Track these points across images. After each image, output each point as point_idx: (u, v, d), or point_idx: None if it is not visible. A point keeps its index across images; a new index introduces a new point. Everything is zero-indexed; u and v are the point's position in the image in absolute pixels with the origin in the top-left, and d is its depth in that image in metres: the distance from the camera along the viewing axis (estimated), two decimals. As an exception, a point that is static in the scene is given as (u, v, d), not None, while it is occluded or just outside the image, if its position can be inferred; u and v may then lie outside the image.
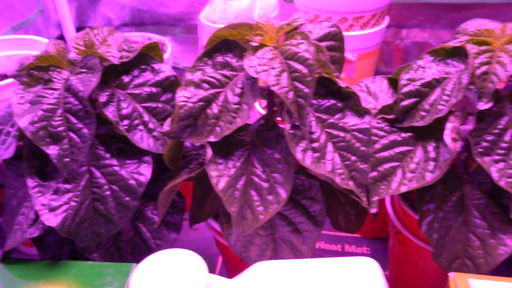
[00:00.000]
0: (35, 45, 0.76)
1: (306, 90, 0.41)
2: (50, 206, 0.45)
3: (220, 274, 0.74)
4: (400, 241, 0.56)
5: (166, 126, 0.48)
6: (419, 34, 1.02)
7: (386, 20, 0.86)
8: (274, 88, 0.41)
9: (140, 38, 0.98)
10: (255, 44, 0.45)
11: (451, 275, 0.42)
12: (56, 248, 0.52)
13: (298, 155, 0.43)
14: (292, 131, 0.43)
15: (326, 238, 0.80)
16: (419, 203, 0.47)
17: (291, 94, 0.42)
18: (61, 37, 1.10)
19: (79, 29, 1.13)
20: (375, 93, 0.56)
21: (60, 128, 0.45)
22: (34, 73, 0.47)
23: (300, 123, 0.43)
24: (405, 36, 1.02)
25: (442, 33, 1.01)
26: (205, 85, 0.45)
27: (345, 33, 0.82)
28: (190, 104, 0.43)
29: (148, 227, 0.51)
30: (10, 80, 0.62)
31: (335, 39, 0.49)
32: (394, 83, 0.56)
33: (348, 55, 0.84)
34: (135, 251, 0.52)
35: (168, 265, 0.36)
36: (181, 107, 0.43)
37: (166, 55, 0.88)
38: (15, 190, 0.52)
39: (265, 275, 0.35)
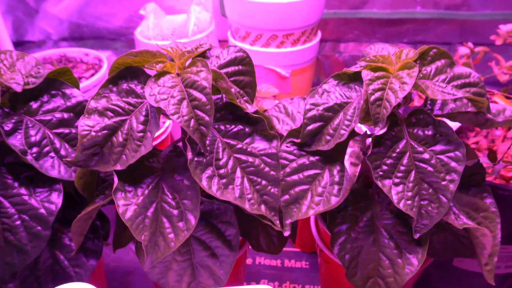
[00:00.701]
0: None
1: (207, 118, 0.42)
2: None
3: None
4: (324, 260, 0.58)
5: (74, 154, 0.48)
6: (356, 48, 1.05)
7: (318, 36, 0.88)
8: (173, 117, 0.41)
9: (77, 53, 0.97)
10: (156, 70, 0.45)
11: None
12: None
13: (204, 183, 0.43)
14: (197, 159, 0.44)
15: (266, 254, 0.81)
16: (331, 224, 0.49)
17: (192, 122, 0.42)
18: (-3, 52, 1.07)
19: (16, 43, 1.11)
20: (293, 114, 0.57)
21: (-39, 160, 0.44)
22: None
23: (204, 150, 0.44)
24: (343, 49, 1.05)
25: (377, 47, 1.04)
26: (109, 113, 0.44)
27: (276, 50, 0.84)
28: (93, 133, 0.43)
29: (65, 254, 0.51)
30: None
31: (242, 64, 0.50)
32: (311, 104, 0.57)
33: (281, 71, 0.85)
34: (55, 279, 0.51)
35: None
36: (83, 136, 0.43)
37: (102, 71, 0.87)
38: None
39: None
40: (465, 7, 0.95)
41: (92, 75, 0.90)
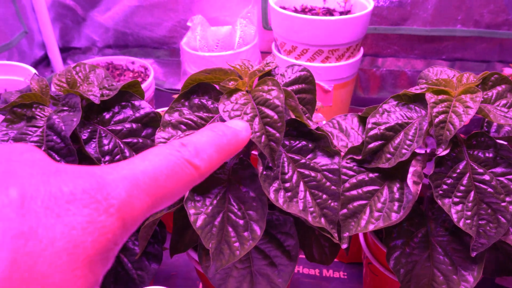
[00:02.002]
0: (19, 71, 0.78)
1: (278, 135, 0.44)
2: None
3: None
4: (372, 272, 0.59)
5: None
6: (394, 63, 1.06)
7: (361, 52, 0.89)
8: (248, 133, 0.44)
9: (124, 61, 1.00)
10: (229, 88, 0.47)
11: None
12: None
13: (271, 195, 0.45)
14: (265, 172, 0.46)
15: (304, 263, 0.83)
16: (387, 239, 0.50)
17: (263, 138, 0.44)
18: (45, 57, 1.11)
19: (63, 49, 1.15)
20: (347, 129, 0.59)
21: (43, 166, 0.47)
22: (17, 110, 0.49)
23: (273, 164, 0.46)
24: (381, 64, 1.06)
25: (415, 63, 1.05)
26: (182, 127, 0.47)
27: (321, 65, 0.86)
28: (169, 145, 0.45)
29: (129, 258, 0.53)
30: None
31: (306, 82, 0.52)
32: (363, 121, 0.59)
33: (324, 85, 0.87)
34: (118, 281, 0.53)
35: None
36: (160, 148, 0.45)
37: (149, 80, 0.91)
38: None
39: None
40: (506, 26, 0.96)
41: (139, 83, 0.93)
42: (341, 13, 0.92)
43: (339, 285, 0.79)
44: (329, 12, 0.92)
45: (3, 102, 0.53)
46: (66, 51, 1.15)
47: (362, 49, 0.90)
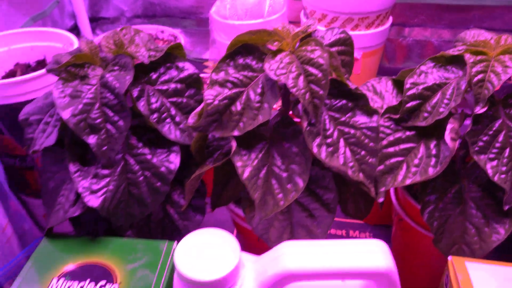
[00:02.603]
0: (56, 37, 0.80)
1: (321, 92, 0.46)
2: (91, 189, 0.50)
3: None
4: (402, 228, 0.62)
5: (191, 119, 0.53)
6: (421, 33, 1.06)
7: (390, 20, 0.90)
8: (292, 90, 0.46)
9: (154, 30, 1.02)
10: (273, 49, 0.49)
11: (450, 258, 0.47)
12: (91, 226, 0.57)
13: (315, 149, 0.48)
14: (309, 128, 0.48)
15: (332, 224, 0.86)
16: (422, 194, 0.52)
17: (307, 96, 0.46)
18: (75, 27, 1.14)
19: (92, 19, 1.17)
20: (381, 92, 0.61)
21: (98, 120, 0.49)
22: (71, 69, 0.52)
23: (316, 121, 0.48)
24: (407, 34, 1.07)
25: (443, 32, 1.06)
26: (229, 85, 0.49)
27: (350, 32, 0.87)
28: (216, 102, 0.48)
29: (176, 209, 0.56)
30: (42, 71, 0.66)
31: (345, 44, 0.54)
32: (397, 84, 0.61)
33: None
34: (164, 231, 0.57)
35: (206, 242, 0.41)
36: (208, 104, 0.48)
37: (179, 48, 0.92)
38: (52, 174, 0.56)
39: (289, 252, 0.41)
40: (537, -6, 0.96)
41: (170, 51, 0.95)
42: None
43: (365, 246, 0.82)
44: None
45: (55, 63, 0.56)
46: (95, 20, 1.18)
47: (391, 18, 0.91)
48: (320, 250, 0.41)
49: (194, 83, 0.57)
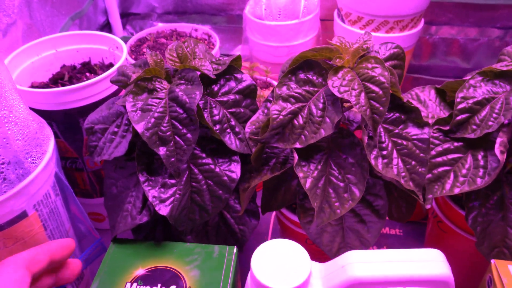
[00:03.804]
0: (100, 40, 0.83)
1: (381, 108, 0.49)
2: (160, 198, 0.54)
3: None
4: (441, 229, 0.66)
5: (249, 128, 0.56)
6: (447, 31, 1.09)
7: (422, 22, 0.92)
8: (355, 107, 0.49)
9: (188, 29, 1.05)
10: (334, 65, 0.52)
11: (493, 261, 0.51)
12: (148, 230, 0.61)
13: (372, 161, 0.51)
14: (367, 141, 0.52)
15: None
16: (467, 200, 0.56)
17: (368, 111, 0.50)
18: (107, 23, 1.16)
19: (122, 15, 1.19)
20: (425, 101, 0.64)
21: (168, 133, 0.53)
22: (140, 83, 0.55)
23: (374, 134, 0.51)
24: (434, 32, 1.09)
25: (469, 31, 1.08)
26: (292, 99, 0.52)
27: (385, 35, 0.89)
28: (281, 117, 0.51)
29: (232, 214, 0.60)
30: (95, 79, 0.69)
31: (398, 59, 0.57)
32: (440, 93, 0.64)
33: (387, 54, 0.91)
34: (219, 234, 0.61)
35: (279, 252, 0.44)
36: (274, 119, 0.51)
37: (215, 48, 0.95)
38: (114, 180, 0.60)
39: (355, 261, 0.45)
40: None
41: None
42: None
43: (395, 240, 0.87)
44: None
45: (120, 74, 0.59)
46: (126, 16, 1.20)
47: (423, 19, 0.93)
48: (384, 259, 0.45)
49: (250, 93, 0.60)
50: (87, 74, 0.82)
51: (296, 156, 0.52)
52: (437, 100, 0.64)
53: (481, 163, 0.54)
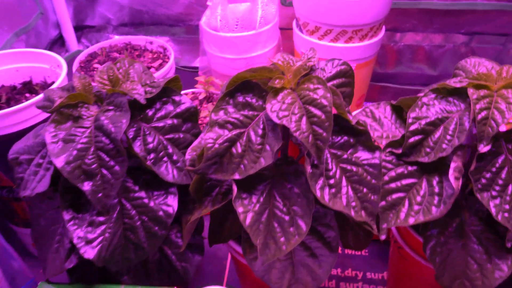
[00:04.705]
0: (42, 58, 0.78)
1: (325, 134, 0.45)
2: (86, 239, 0.48)
3: (228, 278, 0.79)
4: (401, 255, 0.62)
5: (189, 156, 0.51)
6: (412, 37, 1.05)
7: (383, 30, 0.89)
8: (295, 134, 0.45)
9: (142, 41, 0.99)
10: (274, 86, 0.48)
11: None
12: (84, 270, 0.56)
13: (318, 193, 0.47)
14: (311, 171, 0.47)
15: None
16: (424, 229, 0.52)
17: (310, 138, 0.45)
18: (60, 37, 1.10)
19: (77, 28, 1.13)
20: (380, 118, 0.60)
21: (93, 166, 0.48)
22: (64, 110, 0.50)
23: (318, 162, 0.47)
24: (399, 39, 1.06)
25: (434, 37, 1.05)
26: (229, 126, 0.48)
27: (344, 45, 0.86)
28: (217, 145, 0.47)
29: (173, 250, 0.55)
30: (27, 103, 0.64)
31: (346, 76, 0.52)
32: (396, 110, 0.60)
33: (347, 65, 0.87)
34: (161, 272, 0.56)
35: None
36: (208, 148, 0.46)
37: (169, 62, 0.90)
38: (42, 211, 0.55)
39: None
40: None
41: (160, 65, 0.92)
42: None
43: (361, 262, 0.82)
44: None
45: (46, 99, 0.54)
46: (80, 29, 1.14)
47: (384, 27, 0.89)
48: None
49: (190, 116, 0.55)
50: (27, 95, 0.76)
51: (235, 188, 0.48)
52: (393, 117, 0.60)
53: (436, 189, 0.50)
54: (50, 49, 1.07)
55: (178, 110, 0.54)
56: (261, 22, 0.91)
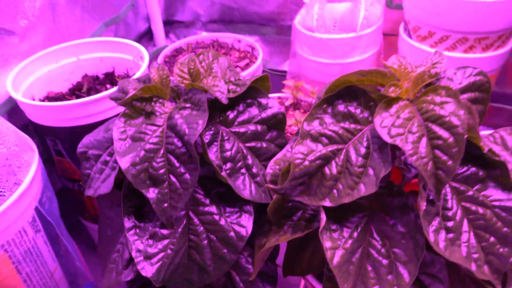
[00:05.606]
0: (125, 48, 0.74)
1: (450, 162, 0.35)
2: (146, 254, 0.42)
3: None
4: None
5: (270, 169, 0.43)
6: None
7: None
8: (411, 158, 0.35)
9: (230, 39, 0.94)
10: (387, 95, 0.38)
11: None
12: (143, 282, 0.50)
13: (431, 237, 0.36)
14: (426, 207, 0.37)
15: None
16: None
17: (430, 166, 0.35)
18: (148, 30, 1.08)
19: (166, 22, 1.11)
20: (513, 148, 0.48)
21: (161, 171, 0.41)
22: (136, 104, 0.44)
23: (436, 198, 0.36)
24: (525, 55, 0.90)
25: None
26: (324, 139, 0.39)
27: (463, 55, 0.73)
28: (307, 163, 0.38)
29: (241, 276, 0.47)
30: (104, 93, 0.60)
31: (480, 90, 0.41)
32: (537, 138, 0.47)
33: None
34: (226, 300, 0.48)
35: None
36: (296, 165, 0.38)
37: (257, 62, 0.83)
38: (110, 220, 0.50)
39: None
40: None
41: (247, 64, 0.86)
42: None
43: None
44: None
45: (120, 90, 0.48)
46: (169, 24, 1.11)
47: (513, 38, 0.75)
48: None
49: (277, 124, 0.47)
50: (108, 86, 0.73)
51: (323, 217, 0.39)
52: (530, 148, 0.47)
53: None
54: (138, 42, 1.05)
55: (264, 115, 0.46)
56: (363, 24, 0.80)
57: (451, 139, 0.34)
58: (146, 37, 1.08)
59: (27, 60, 0.69)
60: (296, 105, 0.79)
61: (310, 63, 0.83)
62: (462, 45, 0.70)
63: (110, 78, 0.75)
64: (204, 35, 0.95)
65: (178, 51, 0.91)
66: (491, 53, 0.71)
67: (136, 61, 0.72)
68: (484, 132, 0.62)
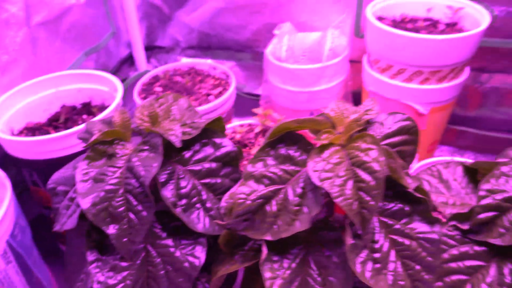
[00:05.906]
0: (102, 81, 0.78)
1: (372, 202, 0.39)
2: (106, 285, 0.46)
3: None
4: None
5: (224, 202, 0.47)
6: (502, 79, 0.94)
7: (466, 72, 0.79)
8: (337, 200, 0.39)
9: (206, 66, 0.98)
10: (321, 141, 0.42)
11: None
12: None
13: (358, 268, 0.40)
14: (353, 241, 0.41)
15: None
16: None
17: (355, 206, 0.39)
18: (130, 56, 1.13)
19: (147, 48, 1.15)
20: (448, 180, 0.52)
21: (121, 209, 0.45)
22: (98, 147, 0.48)
23: (363, 232, 0.41)
24: (484, 80, 0.95)
25: (528, 80, 0.92)
26: (266, 181, 0.43)
27: (419, 86, 0.77)
28: (249, 202, 0.42)
29: (198, 303, 0.51)
30: (74, 129, 0.64)
31: (409, 133, 0.46)
32: (470, 172, 0.52)
33: (420, 108, 0.79)
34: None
35: None
36: (239, 204, 0.42)
37: (230, 90, 0.88)
38: (76, 248, 0.53)
39: None
40: None
41: (220, 92, 0.90)
42: (447, 25, 0.82)
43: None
44: (433, 24, 0.82)
45: (86, 131, 0.53)
46: (150, 49, 1.16)
47: (467, 69, 0.80)
48: None
49: (231, 161, 0.51)
50: (84, 116, 0.77)
51: (265, 250, 0.43)
52: (464, 181, 0.52)
53: (507, 280, 0.41)
54: (119, 68, 1.09)
55: (218, 153, 0.50)
56: (329, 55, 0.85)
57: (372, 182, 0.39)
58: (127, 62, 1.12)
59: (6, 94, 0.73)
60: (264, 132, 0.83)
61: (280, 90, 0.88)
62: (417, 77, 0.75)
63: (87, 109, 0.79)
64: (182, 63, 1.00)
65: (156, 79, 0.96)
66: (445, 84, 0.76)
67: (111, 92, 0.77)
68: (427, 161, 0.67)
